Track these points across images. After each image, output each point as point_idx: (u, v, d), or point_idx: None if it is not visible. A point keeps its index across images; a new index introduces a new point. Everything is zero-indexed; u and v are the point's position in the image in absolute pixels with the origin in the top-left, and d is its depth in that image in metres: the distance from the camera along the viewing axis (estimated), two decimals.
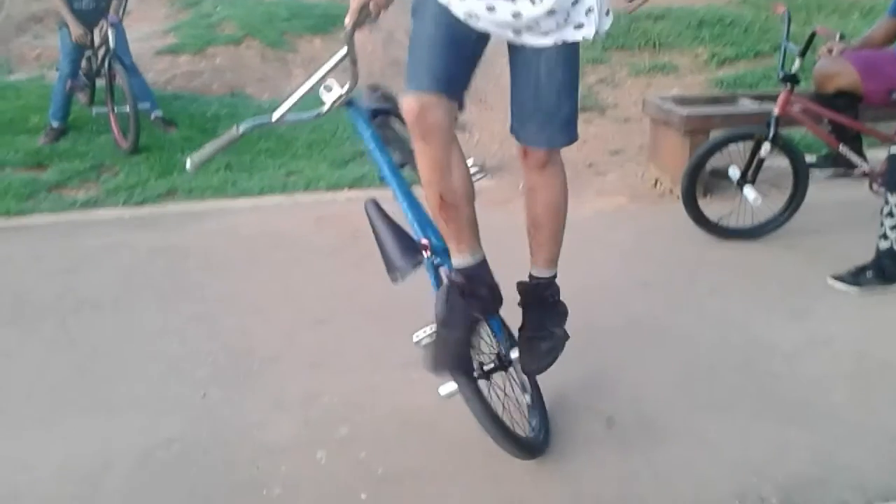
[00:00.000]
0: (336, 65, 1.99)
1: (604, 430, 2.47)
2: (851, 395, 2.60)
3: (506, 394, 2.32)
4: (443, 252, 2.07)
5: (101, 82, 5.72)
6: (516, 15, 1.83)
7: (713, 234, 3.92)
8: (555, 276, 2.21)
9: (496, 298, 2.08)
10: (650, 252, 3.85)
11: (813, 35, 3.66)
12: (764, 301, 3.27)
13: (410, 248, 2.02)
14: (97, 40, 5.65)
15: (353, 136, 5.72)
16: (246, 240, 4.10)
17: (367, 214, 2.07)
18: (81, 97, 5.83)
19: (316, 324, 3.12)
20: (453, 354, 2.01)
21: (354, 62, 1.95)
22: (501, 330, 2.29)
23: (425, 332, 2.05)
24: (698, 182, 3.95)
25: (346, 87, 2.02)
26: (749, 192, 3.77)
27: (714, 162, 3.99)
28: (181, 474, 2.27)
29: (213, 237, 4.15)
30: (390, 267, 2.00)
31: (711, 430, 2.44)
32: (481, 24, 1.88)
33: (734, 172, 3.89)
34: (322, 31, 7.30)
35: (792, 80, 3.68)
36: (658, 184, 4.79)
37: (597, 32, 1.89)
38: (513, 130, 2.05)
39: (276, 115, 1.99)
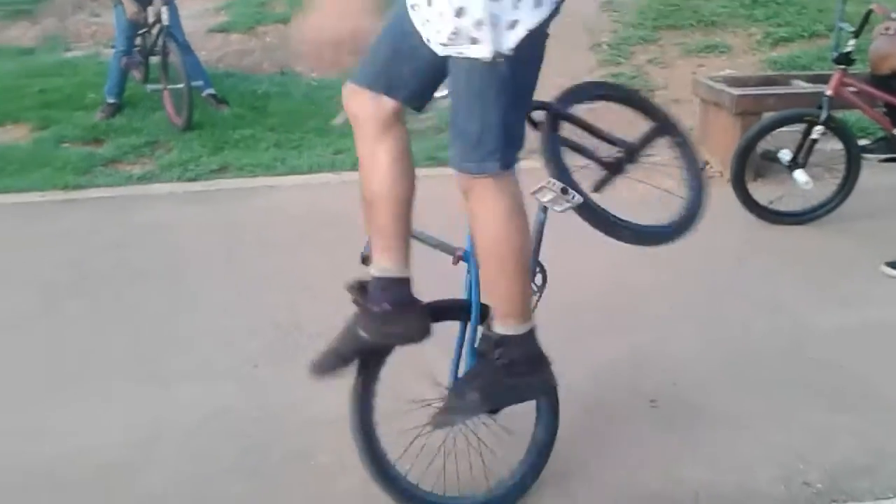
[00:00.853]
0: None
1: (647, 411, 2.48)
2: None
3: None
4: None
5: (155, 60, 5.83)
6: (425, 23, 1.69)
7: (763, 217, 3.88)
8: (511, 339, 1.83)
9: (401, 326, 1.84)
10: (697, 236, 3.80)
11: (869, 13, 3.57)
12: (814, 286, 3.24)
13: None
14: (151, 18, 5.75)
15: None
16: (295, 217, 4.17)
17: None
18: (136, 74, 5.95)
19: None
20: (325, 365, 1.90)
21: None
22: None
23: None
24: (748, 165, 3.91)
25: None
26: (800, 175, 3.72)
27: (765, 144, 3.93)
28: (233, 442, 2.35)
29: (263, 214, 4.23)
30: None
31: (756, 415, 2.44)
32: (415, 22, 1.73)
33: (785, 155, 3.83)
34: None
35: (846, 60, 3.60)
36: (707, 166, 4.73)
37: (501, 49, 1.60)
38: None
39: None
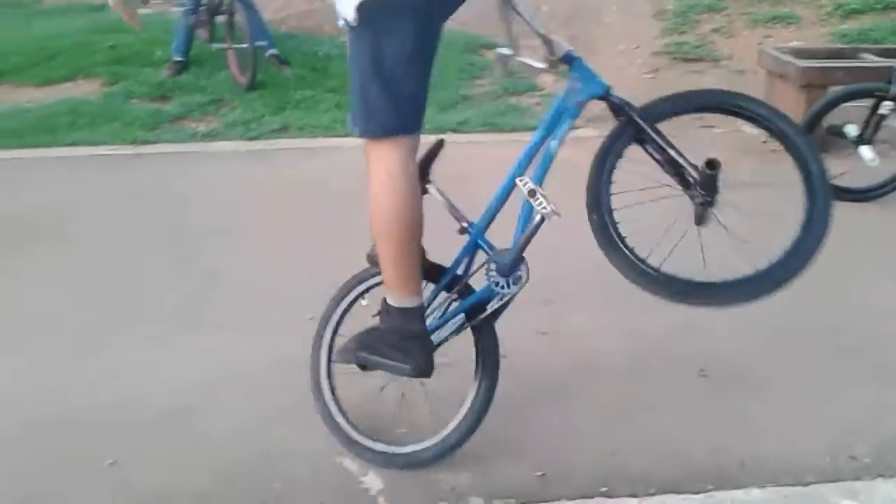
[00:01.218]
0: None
1: (695, 380, 2.50)
2: None
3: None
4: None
5: (221, 19, 5.93)
6: None
7: None
8: (387, 308, 1.93)
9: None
10: (754, 210, 3.77)
11: None
12: (872, 263, 3.20)
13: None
14: None
15: (456, 82, 5.78)
16: (353, 176, 4.22)
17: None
18: (202, 33, 6.07)
19: None
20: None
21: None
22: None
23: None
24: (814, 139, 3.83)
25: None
26: (866, 151, 3.65)
27: (832, 119, 3.85)
28: (291, 390, 2.43)
29: (323, 173, 4.32)
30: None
31: (805, 388, 2.44)
32: None
33: (852, 130, 3.75)
34: None
35: None
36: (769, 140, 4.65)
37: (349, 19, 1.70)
38: None
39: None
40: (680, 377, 2.51)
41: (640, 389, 2.46)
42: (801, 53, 4.54)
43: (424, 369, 1.96)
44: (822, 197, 1.87)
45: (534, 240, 1.94)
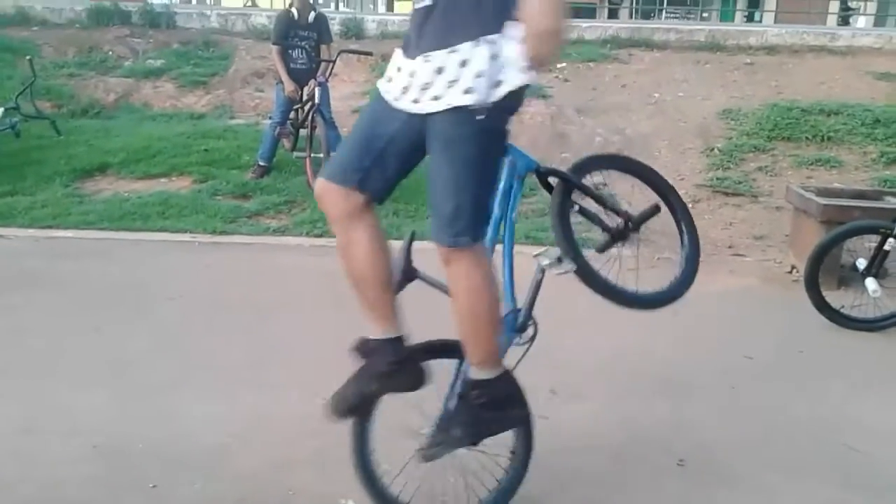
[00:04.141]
0: None
1: (673, 467, 2.76)
2: None
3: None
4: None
5: (303, 132, 6.66)
6: (412, 73, 1.89)
7: (834, 321, 4.05)
8: (486, 382, 2.09)
9: (401, 379, 2.12)
10: (764, 330, 4.05)
11: None
12: (868, 388, 3.40)
13: None
14: (305, 96, 6.62)
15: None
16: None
17: None
18: (286, 143, 6.80)
19: None
20: (342, 408, 2.16)
21: None
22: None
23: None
24: (825, 270, 4.11)
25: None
26: (870, 283, 3.91)
27: (849, 256, 4.14)
28: (315, 439, 2.78)
29: None
30: None
31: (779, 488, 2.66)
32: (391, 93, 1.97)
33: (861, 264, 4.03)
34: None
35: None
36: (794, 270, 4.93)
37: (486, 101, 1.82)
38: None
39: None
40: (657, 462, 2.77)
41: (619, 473, 2.72)
42: (824, 192, 4.87)
43: (524, 413, 2.24)
44: (692, 249, 2.46)
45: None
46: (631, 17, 19.52)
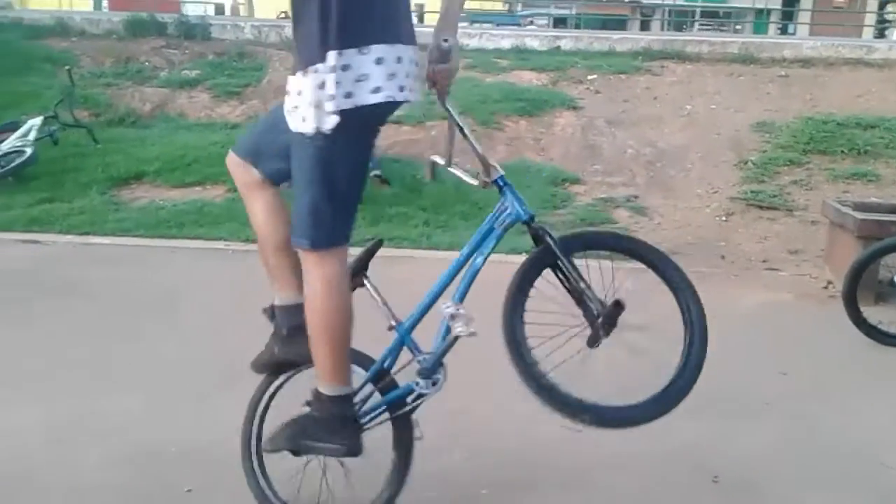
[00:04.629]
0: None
1: (708, 483, 2.72)
2: None
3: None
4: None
5: None
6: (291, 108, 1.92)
7: (871, 336, 3.98)
8: (318, 396, 2.07)
9: (300, 347, 2.09)
10: (799, 346, 3.99)
11: None
12: None
13: None
14: None
15: (538, 210, 6.26)
16: (422, 285, 4.72)
17: None
18: None
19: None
20: (256, 365, 2.34)
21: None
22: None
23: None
24: (862, 286, 4.04)
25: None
26: None
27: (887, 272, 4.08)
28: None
29: (402, 279, 4.79)
30: None
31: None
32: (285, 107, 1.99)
33: None
34: (528, 114, 8.00)
35: None
36: (830, 286, 4.85)
37: (317, 128, 1.84)
38: None
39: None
40: (691, 479, 2.73)
41: (653, 490, 2.69)
42: (860, 207, 4.79)
43: (355, 450, 2.12)
44: (699, 334, 2.02)
45: None
46: (663, 28, 19.46)
